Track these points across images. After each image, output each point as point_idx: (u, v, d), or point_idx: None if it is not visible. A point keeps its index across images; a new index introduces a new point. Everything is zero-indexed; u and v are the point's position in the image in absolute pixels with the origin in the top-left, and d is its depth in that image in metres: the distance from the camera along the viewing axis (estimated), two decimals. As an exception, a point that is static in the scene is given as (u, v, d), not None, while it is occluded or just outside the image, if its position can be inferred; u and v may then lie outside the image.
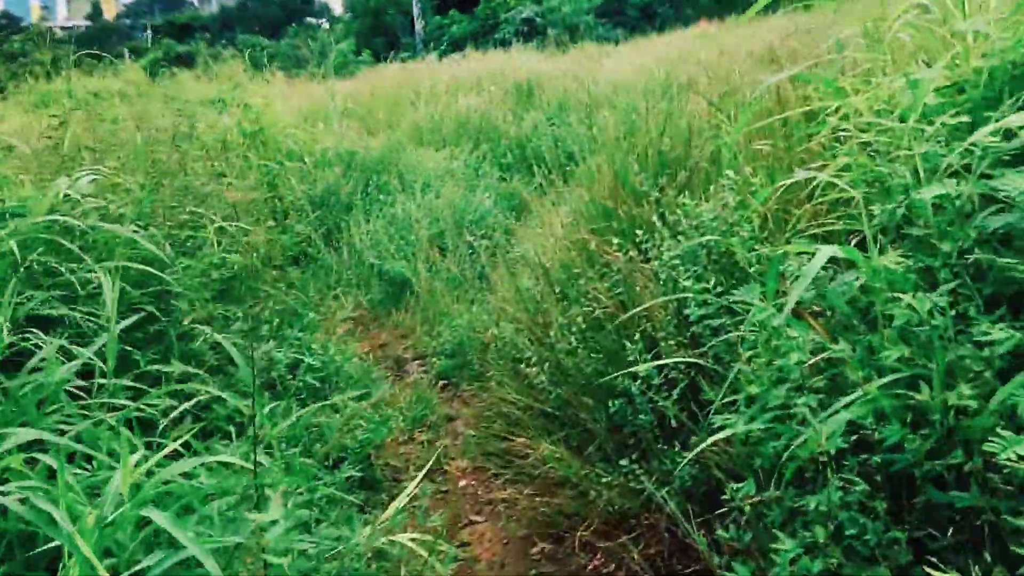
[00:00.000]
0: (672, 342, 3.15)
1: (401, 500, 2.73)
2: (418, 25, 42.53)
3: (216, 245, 4.19)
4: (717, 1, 35.39)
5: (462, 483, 3.92)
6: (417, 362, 5.41)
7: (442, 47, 34.29)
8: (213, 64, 33.38)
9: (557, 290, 4.00)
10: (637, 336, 3.23)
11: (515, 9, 37.75)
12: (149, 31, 72.44)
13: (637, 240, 3.70)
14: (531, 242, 5.15)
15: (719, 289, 3.03)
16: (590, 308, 3.60)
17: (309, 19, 66.64)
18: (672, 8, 36.32)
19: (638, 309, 3.19)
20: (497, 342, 4.26)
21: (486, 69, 13.04)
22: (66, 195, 3.11)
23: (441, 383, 5.00)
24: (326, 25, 57.31)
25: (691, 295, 2.99)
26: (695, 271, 3.21)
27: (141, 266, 3.07)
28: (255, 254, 4.38)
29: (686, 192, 3.79)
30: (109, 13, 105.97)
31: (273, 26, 61.47)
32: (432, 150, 8.71)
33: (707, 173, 4.07)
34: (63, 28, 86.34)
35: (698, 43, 14.66)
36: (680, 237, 3.41)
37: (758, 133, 3.84)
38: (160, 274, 3.15)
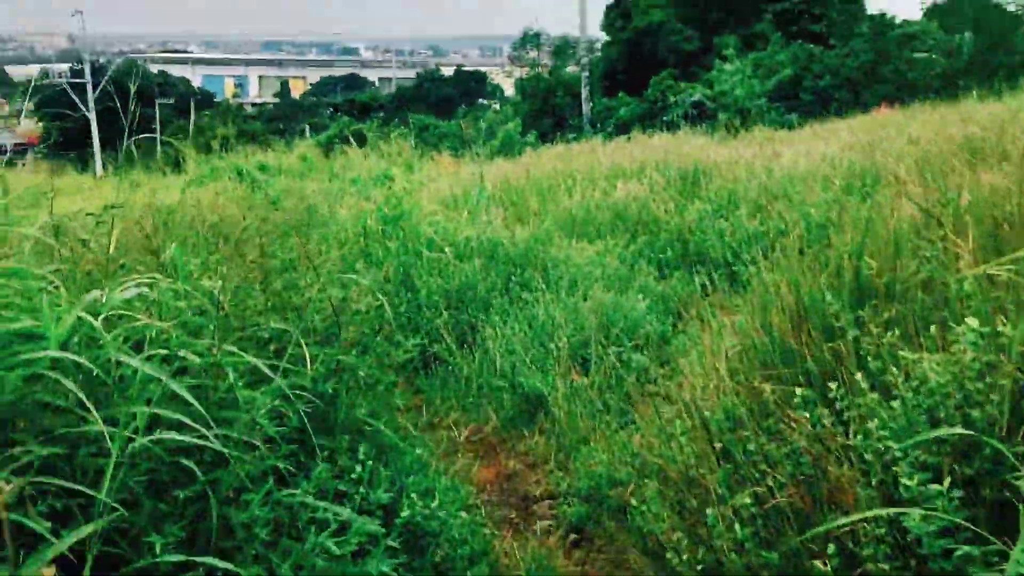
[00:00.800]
0: (885, 567, 2.19)
1: None
2: (585, 107, 42.47)
3: (308, 363, 3.48)
4: (898, 86, 33.77)
5: None
6: (547, 502, 4.55)
7: (608, 129, 33.92)
8: (382, 142, 34.19)
9: (717, 446, 3.10)
10: (832, 549, 2.28)
11: (685, 92, 37.13)
12: (330, 109, 75.71)
13: (829, 395, 2.76)
14: (688, 372, 4.24)
15: (958, 494, 2.07)
16: (763, 488, 2.67)
17: (481, 100, 68.15)
18: (850, 92, 34.81)
19: (842, 522, 2.23)
20: (637, 509, 3.36)
21: (650, 153, 12.28)
22: (86, 316, 2.45)
23: (572, 537, 4.11)
24: (496, 106, 58.28)
25: (915, 509, 2.04)
26: (919, 458, 2.26)
27: (174, 415, 2.36)
28: (352, 377, 3.65)
29: (895, 331, 2.85)
30: (296, 92, 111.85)
31: (446, 106, 62.93)
32: (584, 242, 7.94)
33: (923, 304, 3.10)
34: (253, 105, 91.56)
35: (883, 130, 13.47)
36: (894, 402, 2.46)
37: (993, 247, 2.87)
38: (201, 429, 2.41)
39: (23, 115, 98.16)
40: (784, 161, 10.87)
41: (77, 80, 56.27)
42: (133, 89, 55.12)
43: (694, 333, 6.56)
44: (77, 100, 55.01)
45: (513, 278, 6.90)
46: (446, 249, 7.10)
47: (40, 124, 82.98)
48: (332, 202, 8.63)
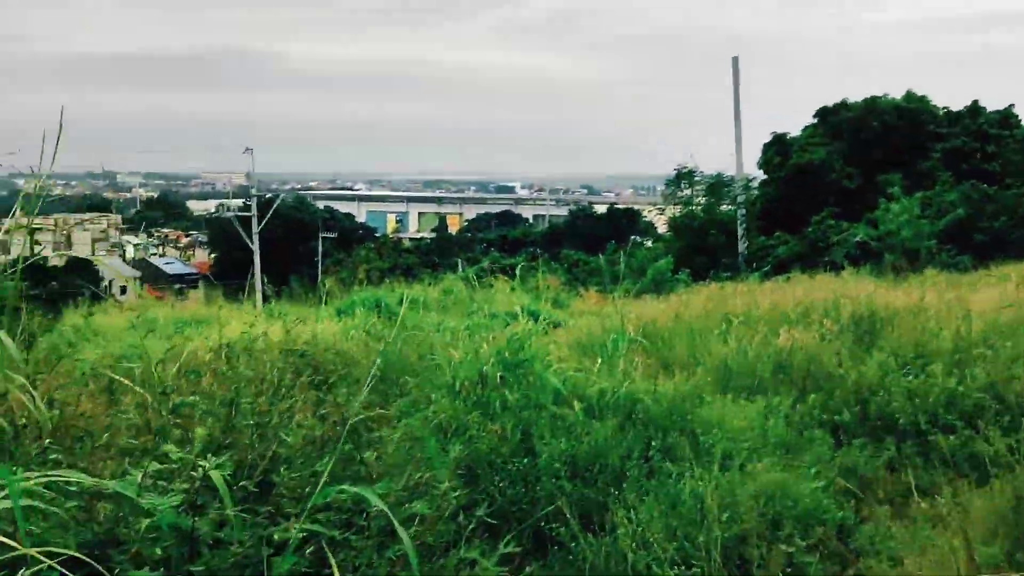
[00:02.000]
0: None
1: None
2: (741, 245, 41.15)
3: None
4: (1085, 225, 31.35)
5: None
6: None
7: (765, 268, 32.44)
8: (530, 277, 33.56)
9: None
10: None
11: (847, 232, 35.45)
12: (483, 244, 76.88)
13: None
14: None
15: None
16: None
17: (634, 237, 67.66)
18: (1027, 234, 32.47)
19: None
20: None
21: (815, 296, 10.93)
22: None
23: None
24: (649, 244, 57.60)
25: None
26: None
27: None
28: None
29: None
30: (453, 227, 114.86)
31: (598, 243, 62.70)
32: (741, 400, 6.66)
33: None
34: (411, 239, 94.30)
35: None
36: None
37: None
38: None
39: (198, 247, 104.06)
40: (976, 307, 9.34)
41: (244, 214, 58.84)
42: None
43: (882, 521, 5.16)
44: (243, 233, 57.30)
45: (653, 444, 5.68)
46: (574, 404, 5.97)
47: (212, 255, 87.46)
48: (455, 339, 7.67)
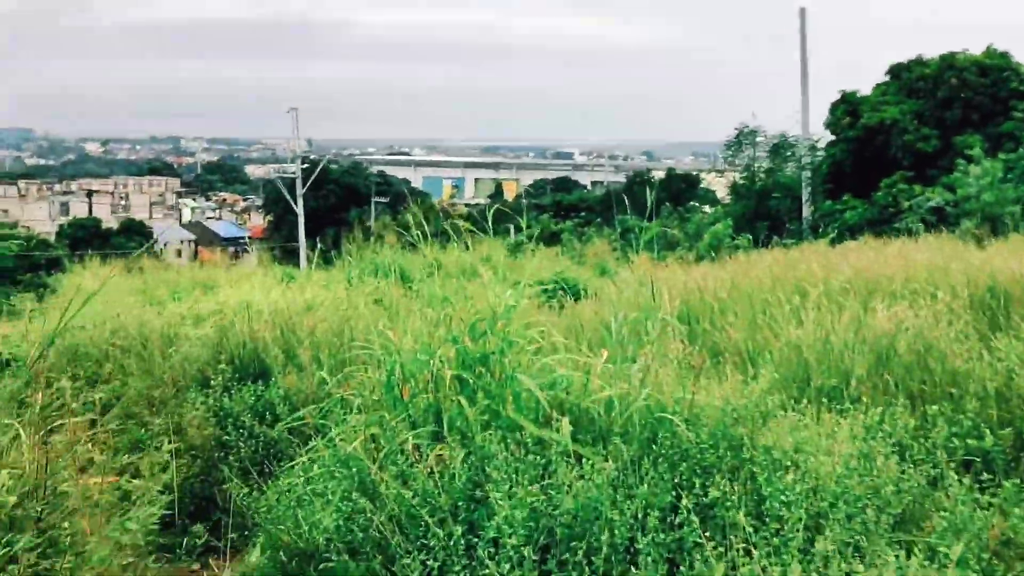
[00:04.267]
0: None
1: None
2: (806, 210, 38.43)
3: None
4: None
5: None
6: None
7: (832, 234, 29.78)
8: (578, 243, 31.19)
9: None
10: None
11: (922, 196, 32.58)
12: (535, 211, 74.53)
13: None
14: None
15: None
16: None
17: (692, 203, 64.63)
18: None
19: None
20: None
21: (904, 263, 8.53)
22: None
23: None
24: (707, 208, 54.75)
25: None
26: None
27: None
28: None
29: None
30: (509, 193, 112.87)
31: (654, 209, 60.19)
32: (827, 410, 4.36)
33: None
34: (467, 205, 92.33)
35: None
36: None
37: None
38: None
39: (253, 210, 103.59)
40: None
41: (288, 176, 57.37)
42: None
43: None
44: (288, 196, 55.95)
45: (686, 500, 3.41)
46: (561, 423, 3.75)
47: (266, 219, 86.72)
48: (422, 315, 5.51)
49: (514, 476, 3.48)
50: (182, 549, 4.96)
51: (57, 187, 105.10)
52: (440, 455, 3.86)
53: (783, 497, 3.34)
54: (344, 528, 3.58)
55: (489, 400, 3.97)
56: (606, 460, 3.63)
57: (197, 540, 4.98)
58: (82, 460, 3.71)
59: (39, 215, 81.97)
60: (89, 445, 4.17)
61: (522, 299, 4.44)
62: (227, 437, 5.58)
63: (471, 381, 4.08)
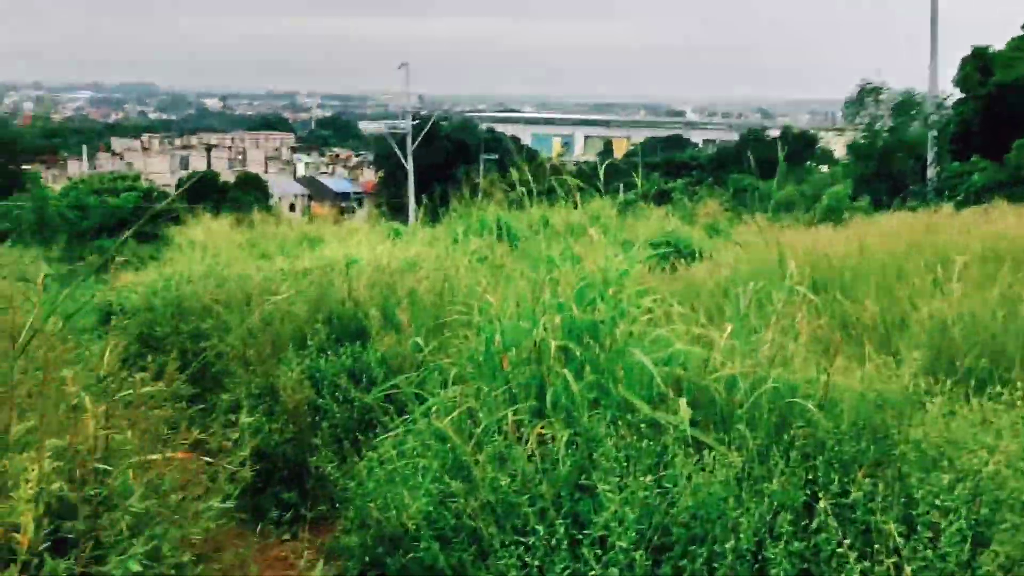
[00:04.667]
0: None
1: None
2: (930, 171, 36.60)
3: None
4: None
5: None
6: None
7: (958, 197, 28.21)
8: (689, 202, 30.37)
9: None
10: None
11: (1061, 158, 30.66)
12: (645, 169, 73.24)
13: None
14: None
15: None
16: None
17: (809, 163, 62.44)
18: None
19: None
20: None
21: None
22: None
23: None
24: (825, 169, 52.79)
25: None
26: None
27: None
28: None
29: None
30: (619, 152, 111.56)
31: (769, 168, 58.45)
32: (993, 401, 3.80)
33: None
34: (576, 163, 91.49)
35: None
36: None
37: None
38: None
39: (366, 166, 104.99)
40: None
41: (399, 132, 57.69)
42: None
43: None
44: (398, 151, 56.26)
45: (823, 499, 2.96)
46: (679, 405, 3.35)
47: (378, 174, 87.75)
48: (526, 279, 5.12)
49: (625, 464, 3.10)
50: (268, 519, 4.75)
51: (178, 141, 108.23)
52: (542, 434, 3.51)
53: (938, 501, 2.87)
54: (435, 513, 3.28)
55: (597, 375, 3.59)
56: (729, 448, 3.22)
57: (283, 512, 4.78)
58: (160, 425, 3.48)
59: (160, 168, 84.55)
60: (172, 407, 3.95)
61: (635, 263, 4.03)
62: (321, 401, 5.34)
63: (578, 353, 3.70)
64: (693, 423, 3.34)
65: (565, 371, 3.59)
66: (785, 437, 3.28)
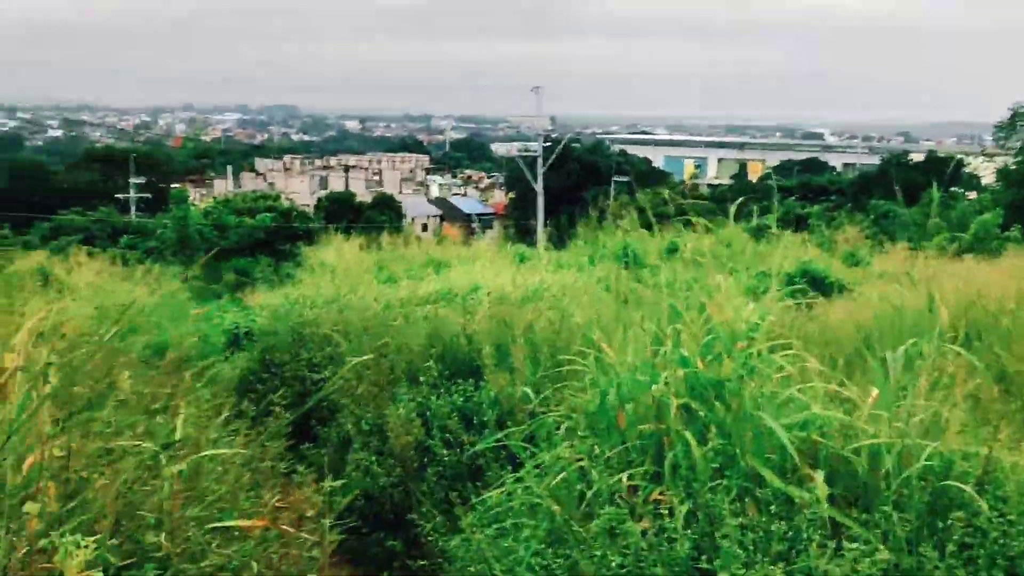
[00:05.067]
0: None
1: None
2: (1093, 199, 34.37)
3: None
4: None
5: None
6: None
7: (1125, 230, 26.25)
8: (827, 229, 29.27)
9: None
10: None
11: None
12: (780, 193, 71.29)
13: None
14: None
15: None
16: None
17: (955, 189, 59.56)
18: None
19: None
20: None
21: None
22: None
23: None
24: (972, 195, 50.26)
25: None
26: None
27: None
28: None
29: None
30: (754, 175, 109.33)
31: (912, 194, 56.14)
32: None
33: None
34: (709, 186, 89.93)
35: None
36: None
37: None
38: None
39: (497, 187, 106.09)
40: None
41: (530, 154, 57.88)
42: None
43: None
44: (528, 174, 56.43)
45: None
46: (816, 478, 2.96)
47: (508, 196, 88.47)
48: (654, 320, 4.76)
49: (751, 549, 2.75)
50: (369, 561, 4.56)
51: (318, 162, 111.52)
52: (658, 501, 3.19)
53: None
54: (537, 588, 2.99)
55: (723, 440, 3.24)
56: (869, 526, 2.82)
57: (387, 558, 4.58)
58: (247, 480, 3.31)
59: (300, 188, 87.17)
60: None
61: (767, 316, 3.65)
62: (431, 442, 5.13)
63: (702, 414, 3.36)
64: (831, 501, 2.96)
65: (687, 433, 3.26)
66: (940, 524, 2.87)
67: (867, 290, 9.40)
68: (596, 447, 3.51)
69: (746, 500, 3.00)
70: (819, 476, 2.98)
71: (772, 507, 2.94)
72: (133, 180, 63.35)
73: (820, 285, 13.78)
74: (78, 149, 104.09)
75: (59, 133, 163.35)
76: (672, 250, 18.23)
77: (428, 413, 5.36)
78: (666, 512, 3.07)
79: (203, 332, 12.55)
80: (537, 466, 3.76)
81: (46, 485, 2.13)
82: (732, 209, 6.35)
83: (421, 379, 5.70)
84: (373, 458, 5.28)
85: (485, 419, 5.07)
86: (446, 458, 4.98)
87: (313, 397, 6.01)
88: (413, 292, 9.01)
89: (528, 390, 4.56)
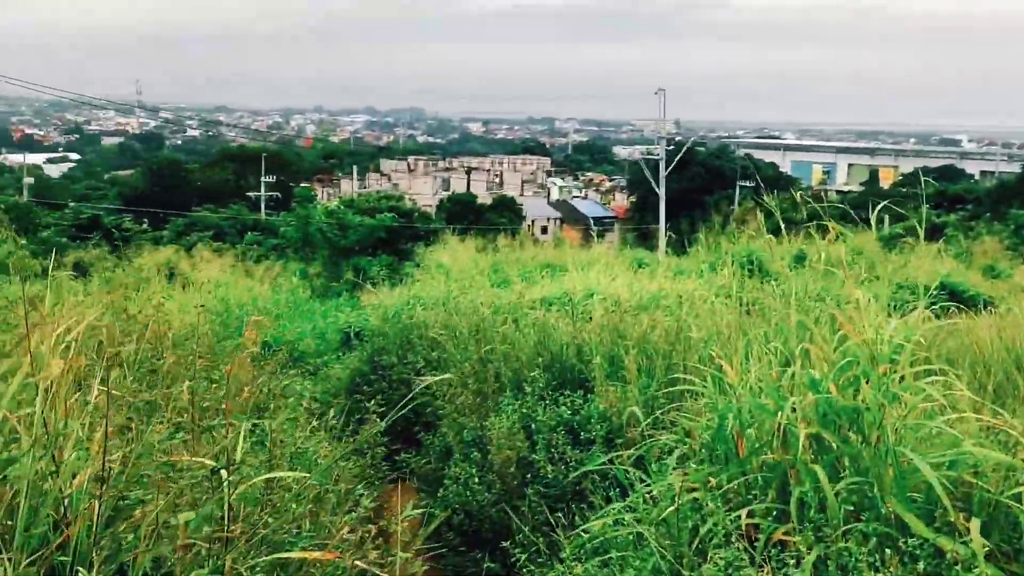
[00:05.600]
0: None
1: None
2: None
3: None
4: None
5: None
6: None
7: None
8: (964, 239, 27.84)
9: None
10: None
11: None
12: (913, 201, 68.46)
13: None
14: None
15: None
16: None
17: (1107, 198, 55.97)
18: None
19: None
20: None
21: None
22: None
23: None
24: None
25: None
26: None
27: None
28: None
29: None
30: (886, 182, 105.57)
31: (1060, 202, 53.37)
32: None
33: None
34: (838, 192, 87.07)
35: None
36: None
37: None
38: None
39: (618, 191, 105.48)
40: None
41: (653, 157, 57.01)
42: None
43: None
44: (650, 177, 55.54)
45: None
46: (972, 532, 2.55)
47: (630, 199, 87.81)
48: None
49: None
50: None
51: (441, 164, 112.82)
52: (782, 541, 2.81)
53: None
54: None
55: (859, 477, 2.84)
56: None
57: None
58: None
59: (423, 189, 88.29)
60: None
61: (914, 333, 3.22)
62: (535, 456, 4.84)
63: (834, 446, 2.96)
64: (988, 556, 2.53)
65: (817, 467, 2.87)
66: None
67: (1014, 305, 8.66)
68: (712, 477, 3.15)
69: (886, 550, 2.59)
70: (974, 525, 2.56)
71: (920, 561, 2.53)
72: (264, 179, 65.19)
73: (960, 299, 12.92)
74: (213, 148, 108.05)
75: (196, 133, 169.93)
76: (800, 258, 17.49)
77: (533, 426, 5.08)
78: (791, 559, 2.69)
79: (320, 330, 12.60)
80: (647, 493, 3.42)
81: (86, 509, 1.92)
82: (873, 216, 5.83)
83: (527, 389, 5.42)
84: (473, 470, 5.03)
85: (593, 435, 4.75)
86: (550, 475, 4.68)
87: (398, 408, 5.80)
88: (525, 295, 8.71)
89: (638, 410, 4.20)
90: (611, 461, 4.27)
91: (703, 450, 3.36)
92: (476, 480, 4.93)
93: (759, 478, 3.09)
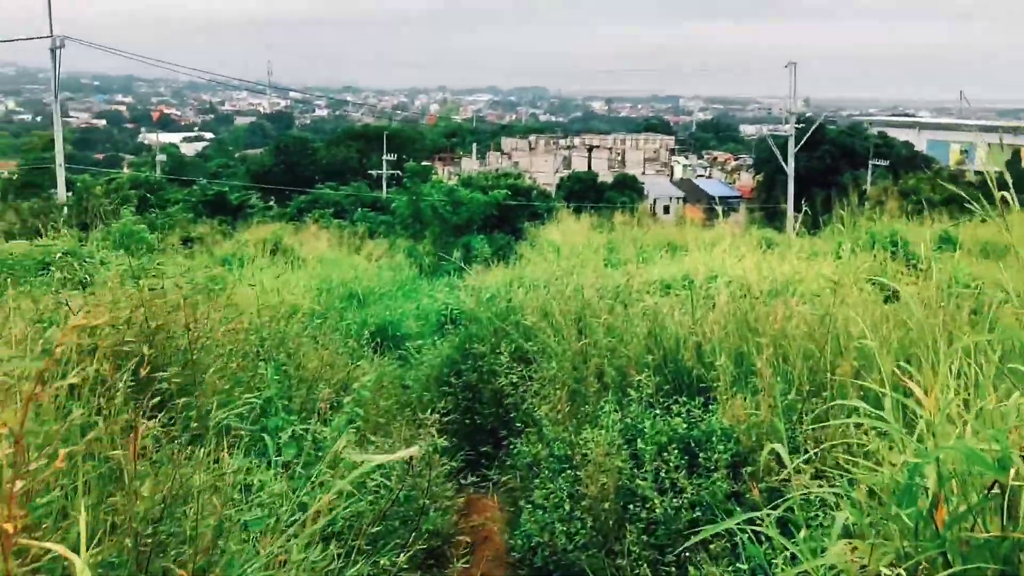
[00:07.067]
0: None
1: None
2: None
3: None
4: None
5: None
6: None
7: None
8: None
9: None
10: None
11: None
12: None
13: None
14: None
15: None
16: None
17: None
18: None
19: None
20: None
21: None
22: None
23: None
24: None
25: None
26: None
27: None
28: None
29: None
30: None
31: None
32: None
33: None
34: (977, 172, 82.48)
35: None
36: None
37: None
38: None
39: (744, 170, 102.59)
40: None
41: (781, 135, 54.77)
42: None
43: None
44: (779, 155, 53.31)
45: None
46: None
47: (756, 178, 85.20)
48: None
49: None
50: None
51: (562, 142, 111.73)
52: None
53: None
54: None
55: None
56: None
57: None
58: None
59: (544, 168, 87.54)
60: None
61: None
62: (640, 481, 3.85)
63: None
64: None
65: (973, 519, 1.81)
66: None
67: None
68: (890, 549, 2.12)
69: None
70: None
71: None
72: (385, 157, 65.54)
73: None
74: (340, 128, 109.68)
75: (324, 112, 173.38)
76: (945, 240, 15.86)
77: (639, 440, 4.08)
78: None
79: (425, 310, 11.85)
80: (792, 555, 2.42)
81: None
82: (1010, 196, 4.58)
83: (632, 393, 4.42)
84: (563, 495, 4.07)
85: (715, 458, 3.73)
86: (658, 508, 3.69)
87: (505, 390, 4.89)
88: (637, 278, 7.66)
89: (782, 449, 3.00)
90: (737, 497, 3.25)
91: (875, 507, 2.31)
92: (567, 508, 3.96)
93: (966, 559, 2.04)
